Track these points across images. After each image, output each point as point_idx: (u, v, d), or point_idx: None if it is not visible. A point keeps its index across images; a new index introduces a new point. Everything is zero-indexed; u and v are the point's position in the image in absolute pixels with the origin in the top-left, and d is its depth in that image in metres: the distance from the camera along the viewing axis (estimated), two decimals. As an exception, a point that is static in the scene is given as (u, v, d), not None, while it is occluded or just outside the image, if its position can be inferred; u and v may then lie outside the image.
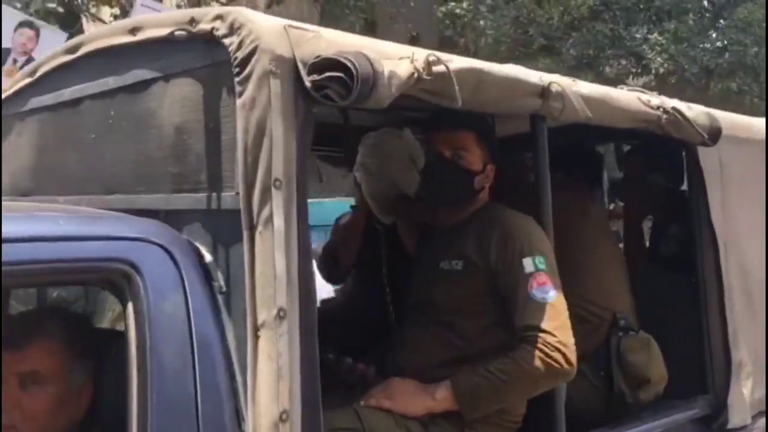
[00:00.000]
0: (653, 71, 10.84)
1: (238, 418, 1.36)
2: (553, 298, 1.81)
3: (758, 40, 10.36)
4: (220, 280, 1.43)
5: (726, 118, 2.59)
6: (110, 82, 1.74)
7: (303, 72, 1.37)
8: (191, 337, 1.32)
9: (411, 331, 2.01)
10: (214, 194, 1.46)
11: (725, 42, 10.97)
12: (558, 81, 1.87)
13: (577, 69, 9.90)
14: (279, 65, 1.36)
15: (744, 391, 2.49)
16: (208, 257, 1.44)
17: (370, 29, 10.23)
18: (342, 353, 2.04)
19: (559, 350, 1.75)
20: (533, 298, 1.80)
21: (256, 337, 1.34)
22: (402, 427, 1.76)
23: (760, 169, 2.78)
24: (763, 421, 2.61)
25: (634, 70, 10.98)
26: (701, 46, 10.84)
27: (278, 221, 1.34)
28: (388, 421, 1.76)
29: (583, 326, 2.38)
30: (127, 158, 1.68)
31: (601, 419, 2.24)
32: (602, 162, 3.08)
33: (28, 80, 2.01)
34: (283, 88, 1.36)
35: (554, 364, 1.74)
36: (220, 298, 1.43)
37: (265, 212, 1.34)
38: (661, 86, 10.78)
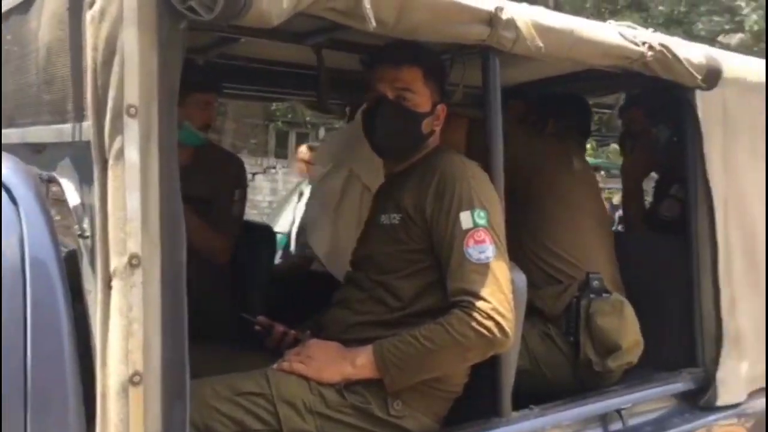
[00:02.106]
0: (747, 28, 10.31)
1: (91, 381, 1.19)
2: (492, 258, 1.59)
3: None
4: (83, 223, 1.26)
5: (733, 59, 2.29)
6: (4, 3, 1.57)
7: (164, -21, 1.17)
8: (24, 291, 1.15)
9: (348, 289, 1.82)
10: (77, 125, 1.28)
11: None
12: (509, 6, 1.62)
13: (666, 26, 9.46)
14: (134, -29, 1.16)
15: (739, 365, 2.24)
16: (70, 196, 1.27)
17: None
18: (275, 318, 1.86)
19: (492, 318, 1.54)
20: (468, 257, 1.59)
21: (108, 288, 1.17)
22: (316, 393, 1.58)
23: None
24: (762, 400, 2.36)
25: (727, 27, 10.44)
26: None
27: (132, 154, 1.16)
28: (301, 386, 1.58)
29: (552, 287, 2.20)
30: (15, 87, 1.53)
31: (569, 388, 2.04)
32: (591, 114, 2.82)
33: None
34: (140, -1, 1.16)
35: (486, 332, 1.54)
36: (82, 243, 1.26)
37: (117, 144, 1.16)
38: (756, 44, 10.27)
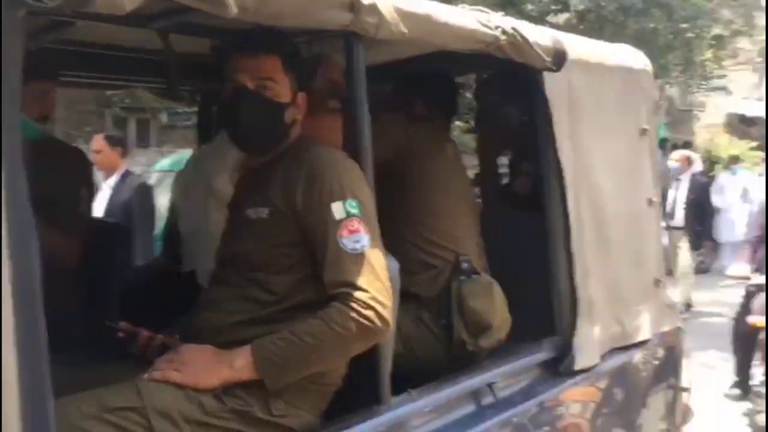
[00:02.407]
0: (572, 8, 10.93)
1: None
2: (367, 247, 1.57)
3: None
4: None
5: (576, 42, 2.41)
6: None
7: (-3, -38, 1.04)
8: None
9: (216, 290, 1.73)
10: None
11: None
12: (370, -9, 1.60)
13: (502, 6, 9.80)
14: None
15: (593, 331, 2.39)
16: None
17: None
18: (140, 323, 1.74)
19: (372, 307, 1.53)
20: (343, 248, 1.56)
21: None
22: (194, 402, 1.50)
23: (616, 96, 2.65)
24: (617, 359, 2.55)
25: (555, 8, 11.00)
26: None
27: (-34, 160, 1.02)
28: (176, 396, 1.50)
29: (427, 272, 2.23)
30: None
31: (443, 369, 2.09)
32: (457, 91, 2.87)
33: None
34: (-32, -17, 1.02)
35: (366, 323, 1.53)
36: None
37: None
38: (581, 23, 10.90)
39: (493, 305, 2.18)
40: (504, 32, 1.96)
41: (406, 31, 1.61)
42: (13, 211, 1.06)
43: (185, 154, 4.80)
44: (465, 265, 2.20)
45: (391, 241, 2.09)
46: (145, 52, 2.31)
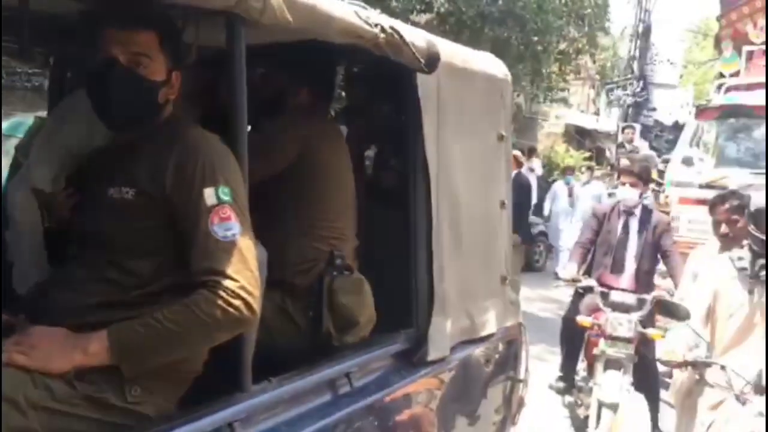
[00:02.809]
0: (435, 9, 11.18)
1: None
2: (238, 236, 1.55)
3: None
4: None
5: (447, 47, 2.50)
6: None
7: None
8: None
9: (71, 269, 1.64)
10: None
11: None
12: (258, -25, 1.58)
13: (366, 1, 9.85)
14: None
15: (445, 324, 2.49)
16: None
17: None
18: None
19: (239, 296, 1.51)
20: (214, 235, 1.53)
21: None
22: (41, 386, 1.42)
23: (478, 101, 2.77)
24: (464, 351, 2.67)
25: (418, 7, 11.20)
26: None
27: None
28: (21, 380, 1.41)
29: (304, 263, 2.24)
30: None
31: (301, 358, 2.10)
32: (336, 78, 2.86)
33: None
34: None
35: (234, 311, 1.51)
36: None
37: None
38: (442, 25, 11.17)
39: (361, 303, 2.22)
40: (383, 30, 2.00)
41: (290, 19, 1.60)
42: None
43: (25, 118, 4.45)
44: (339, 261, 2.22)
45: (274, 224, 2.08)
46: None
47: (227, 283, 1.51)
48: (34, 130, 2.51)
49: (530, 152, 13.05)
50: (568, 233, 10.74)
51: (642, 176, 4.84)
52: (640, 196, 4.86)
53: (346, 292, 2.19)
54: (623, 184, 4.85)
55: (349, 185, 2.44)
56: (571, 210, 11.35)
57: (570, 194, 11.41)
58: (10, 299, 1.77)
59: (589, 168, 12.82)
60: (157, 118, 1.69)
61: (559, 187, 11.99)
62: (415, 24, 10.35)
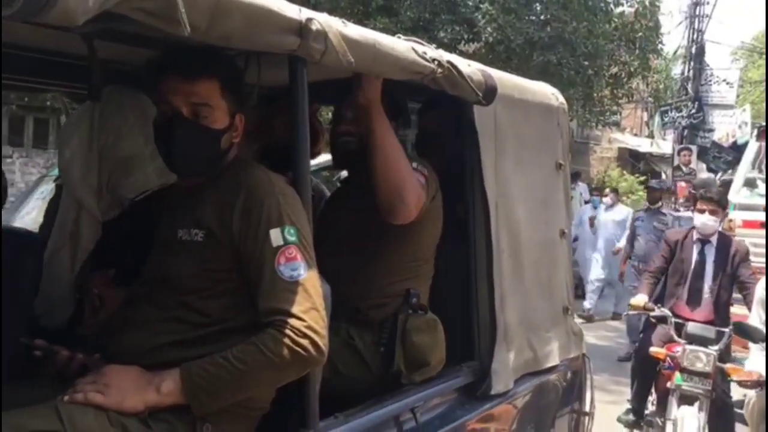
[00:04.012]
0: (483, 39, 11.25)
1: None
2: (304, 275, 1.56)
3: (576, 16, 11.06)
4: None
5: (502, 78, 2.51)
6: None
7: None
8: None
9: (142, 310, 1.67)
10: None
11: (548, 16, 11.61)
12: (319, 18, 1.61)
13: (414, 31, 9.96)
14: None
15: (509, 357, 2.47)
16: None
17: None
18: (58, 341, 1.67)
19: (307, 336, 1.52)
20: (280, 275, 1.55)
21: None
22: (118, 426, 1.45)
23: (535, 130, 2.76)
24: (529, 384, 2.63)
25: (466, 37, 11.30)
26: (526, 18, 11.39)
27: None
28: (99, 420, 1.44)
29: (381, 299, 2.21)
30: None
31: (367, 394, 2.09)
32: None
33: None
34: None
35: (301, 351, 1.52)
36: None
37: None
38: (490, 54, 11.22)
39: (434, 344, 2.17)
40: (440, 65, 2.01)
41: (352, 60, 1.63)
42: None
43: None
44: (414, 300, 2.18)
45: (359, 257, 2.10)
46: (64, 56, 2.22)
47: (294, 322, 1.52)
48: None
49: (574, 177, 12.36)
50: (594, 264, 9.78)
51: (721, 203, 4.64)
52: (720, 222, 4.70)
53: (420, 331, 2.14)
54: (701, 211, 4.63)
55: (440, 226, 2.33)
56: (594, 238, 10.03)
57: (591, 224, 10.07)
58: (81, 339, 1.81)
59: (614, 190, 11.06)
60: (222, 162, 1.72)
61: (585, 211, 10.81)
62: (462, 54, 10.42)
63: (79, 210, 2.05)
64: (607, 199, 10.22)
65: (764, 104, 16.79)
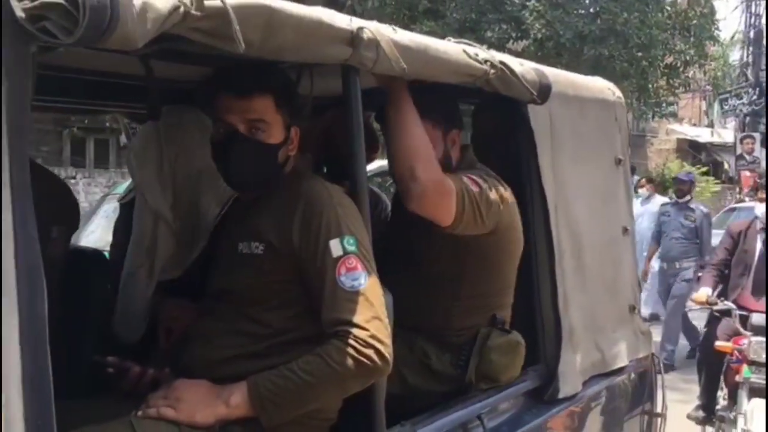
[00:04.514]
0: (532, 36, 11.14)
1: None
2: (365, 285, 1.56)
3: (627, 7, 10.84)
4: None
5: (556, 75, 2.46)
6: None
7: (11, -3, 1.02)
8: None
9: (208, 323, 1.70)
10: None
11: (597, 9, 11.44)
12: (370, 27, 1.61)
13: (460, 32, 9.95)
14: (-27, -13, 1.00)
15: (575, 359, 2.41)
16: None
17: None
18: (127, 357, 1.71)
19: (371, 345, 1.52)
20: (341, 286, 1.55)
21: (-44, 355, 1.00)
22: (189, 438, 1.48)
23: (592, 127, 2.71)
24: (597, 386, 2.58)
25: (514, 35, 11.22)
26: (575, 12, 11.25)
27: (-20, 199, 0.99)
28: (170, 432, 1.47)
29: (462, 324, 2.13)
30: None
31: (434, 401, 2.07)
32: None
33: None
34: (-20, 18, 1.00)
35: (365, 361, 1.51)
36: None
37: (-39, 187, 0.99)
38: (540, 51, 11.12)
39: (511, 364, 2.11)
40: (493, 66, 1.99)
41: (405, 66, 1.62)
42: (22, 254, 1.04)
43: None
44: (499, 325, 2.13)
45: (440, 289, 2.06)
46: (122, 77, 2.28)
47: (357, 332, 1.52)
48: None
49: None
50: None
51: None
52: None
53: (501, 352, 2.07)
54: (762, 200, 4.53)
55: (521, 248, 2.20)
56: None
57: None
58: (153, 353, 1.85)
59: (650, 180, 9.80)
60: (280, 175, 1.73)
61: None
62: (511, 52, 10.31)
63: (156, 222, 2.12)
64: (642, 191, 9.02)
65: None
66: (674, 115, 17.09)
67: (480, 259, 2.08)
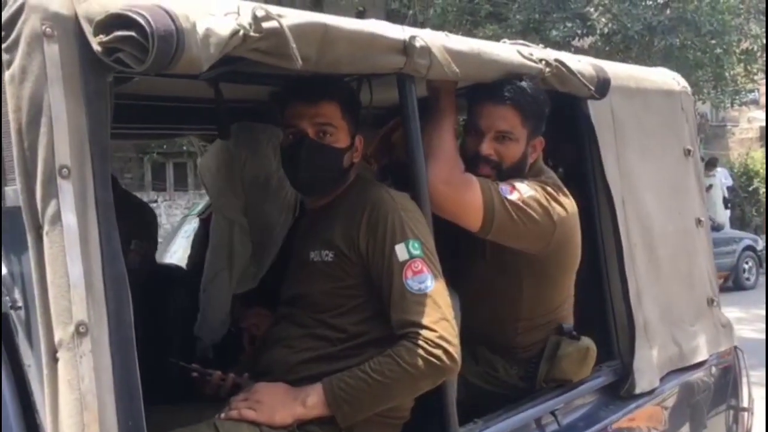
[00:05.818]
0: (598, 31, 10.97)
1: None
2: (431, 287, 1.61)
3: None
4: (14, 293, 1.18)
5: (616, 69, 2.45)
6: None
7: (89, 32, 1.12)
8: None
9: (284, 328, 1.79)
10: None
11: None
12: (422, 34, 1.67)
13: (524, 34, 9.90)
14: (55, 25, 1.11)
15: (651, 353, 2.38)
16: (-2, 267, 1.18)
17: (316, 4, 9.93)
18: (210, 364, 1.81)
19: (440, 346, 1.57)
20: (409, 289, 1.60)
21: (54, 361, 1.10)
22: (268, 438, 1.55)
23: (658, 118, 2.67)
24: (676, 381, 2.53)
25: (579, 32, 11.07)
26: (643, 3, 11.00)
27: (69, 218, 1.10)
28: (252, 433, 1.55)
29: (528, 346, 2.16)
30: None
31: (505, 398, 2.09)
32: None
33: None
34: (63, 54, 1.11)
35: (435, 361, 1.56)
36: (14, 315, 1.18)
37: (52, 208, 1.10)
38: (607, 45, 10.92)
39: (581, 369, 2.12)
40: (548, 64, 2.01)
41: (458, 71, 1.67)
42: (108, 265, 1.13)
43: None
44: (566, 325, 2.15)
45: (505, 307, 2.08)
46: (194, 101, 2.40)
47: (426, 333, 1.57)
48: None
49: (708, 164, 11.37)
50: None
51: None
52: None
53: (571, 360, 2.08)
54: None
55: (578, 261, 2.16)
56: None
57: None
58: (233, 359, 1.94)
59: (710, 161, 9.65)
60: (345, 181, 1.81)
61: None
62: (577, 49, 10.14)
63: (231, 227, 2.25)
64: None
65: None
66: (755, 102, 16.39)
67: (539, 278, 2.08)
